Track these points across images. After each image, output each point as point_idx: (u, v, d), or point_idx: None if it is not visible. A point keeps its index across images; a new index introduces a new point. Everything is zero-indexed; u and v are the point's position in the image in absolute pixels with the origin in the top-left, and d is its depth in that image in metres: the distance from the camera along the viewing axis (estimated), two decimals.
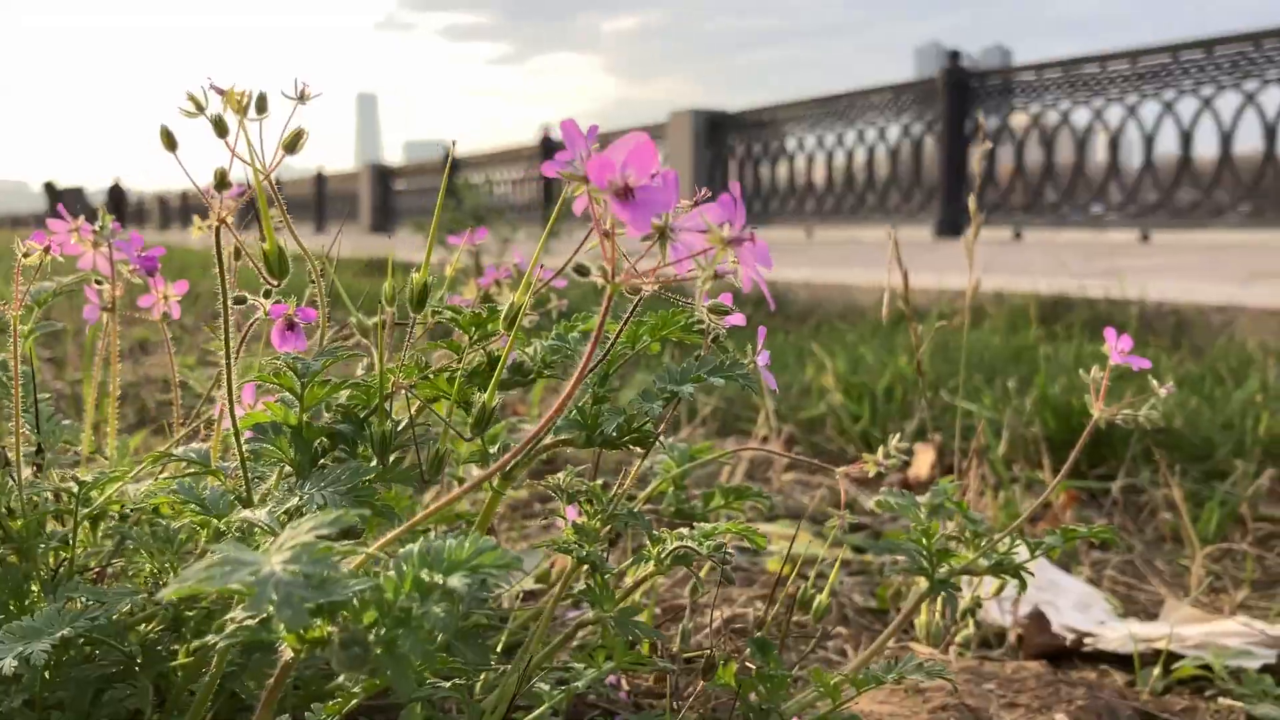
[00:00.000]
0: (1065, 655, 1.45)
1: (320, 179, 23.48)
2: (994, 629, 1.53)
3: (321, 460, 0.83)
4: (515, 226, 6.94)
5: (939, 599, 1.09)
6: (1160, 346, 3.07)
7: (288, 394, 0.86)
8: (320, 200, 22.67)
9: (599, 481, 1.00)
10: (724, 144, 13.48)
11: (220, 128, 0.71)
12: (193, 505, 0.83)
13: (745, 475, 2.38)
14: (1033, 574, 1.08)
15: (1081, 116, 10.16)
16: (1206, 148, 9.22)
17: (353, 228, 19.84)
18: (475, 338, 0.93)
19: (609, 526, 0.94)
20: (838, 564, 1.21)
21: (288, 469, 0.85)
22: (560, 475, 0.97)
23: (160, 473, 0.95)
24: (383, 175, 20.37)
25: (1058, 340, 3.26)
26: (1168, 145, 9.55)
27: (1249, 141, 8.92)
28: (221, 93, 0.70)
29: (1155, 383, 0.99)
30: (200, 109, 0.71)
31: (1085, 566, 1.76)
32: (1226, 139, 8.95)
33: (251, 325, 0.88)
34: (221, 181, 0.77)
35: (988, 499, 1.98)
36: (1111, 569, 1.76)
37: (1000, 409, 2.36)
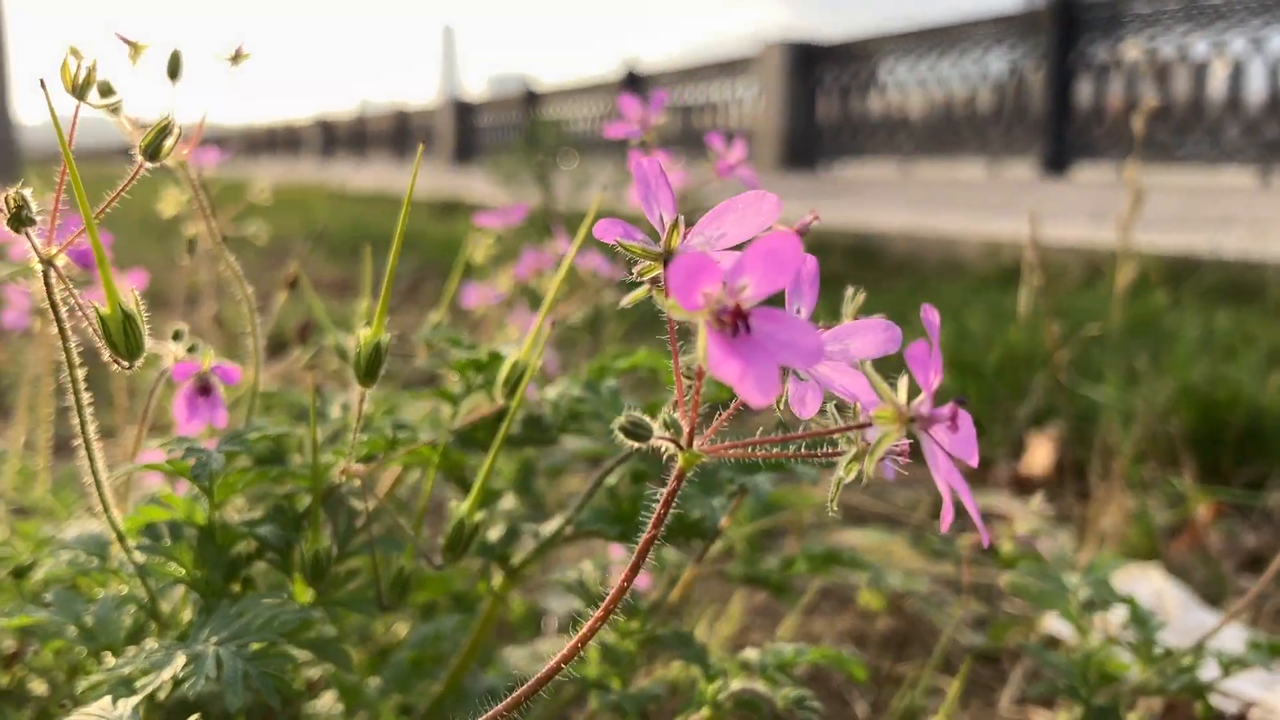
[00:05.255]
0: None
1: (402, 114, 23.27)
2: None
3: (244, 571, 0.60)
4: (597, 167, 6.63)
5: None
6: None
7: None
8: (402, 135, 22.49)
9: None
10: (816, 77, 12.94)
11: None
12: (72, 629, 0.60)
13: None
14: (1224, 694, 0.81)
15: (1200, 48, 9.48)
16: None
17: (433, 162, 19.67)
18: (473, 384, 0.69)
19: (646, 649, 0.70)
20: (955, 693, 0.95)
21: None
22: (585, 565, 0.73)
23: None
24: (463, 110, 20.05)
25: (1185, 309, 2.91)
26: None
27: None
28: None
29: None
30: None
31: (1237, 598, 1.47)
32: None
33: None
34: None
35: (1115, 510, 1.69)
36: (1277, 601, 1.48)
37: (1128, 397, 2.06)
